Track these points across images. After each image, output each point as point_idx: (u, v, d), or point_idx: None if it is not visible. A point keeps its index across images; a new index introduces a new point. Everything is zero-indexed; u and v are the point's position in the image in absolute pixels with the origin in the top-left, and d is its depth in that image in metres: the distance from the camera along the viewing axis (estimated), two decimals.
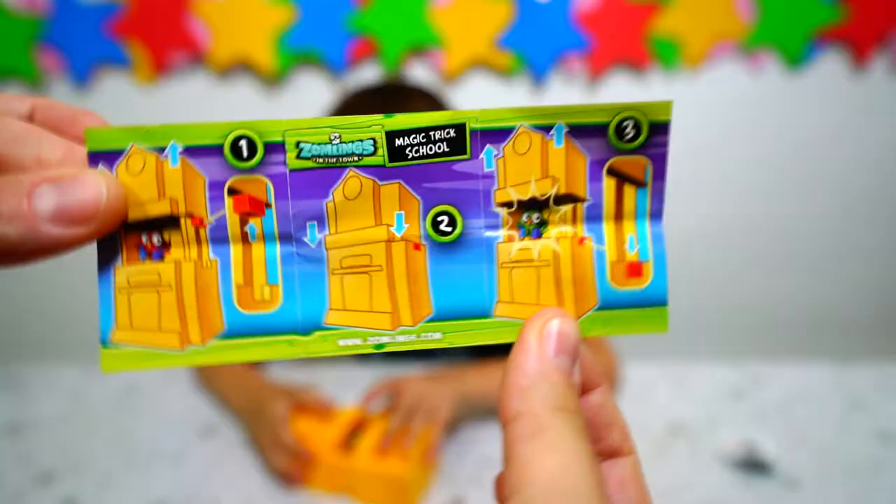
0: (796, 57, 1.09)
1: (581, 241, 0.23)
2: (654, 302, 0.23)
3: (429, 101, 0.86)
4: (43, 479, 0.73)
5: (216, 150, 0.22)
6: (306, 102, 1.11)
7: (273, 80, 1.09)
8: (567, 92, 1.11)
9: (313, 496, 0.69)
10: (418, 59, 1.08)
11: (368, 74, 1.08)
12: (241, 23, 1.04)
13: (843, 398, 0.86)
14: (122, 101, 1.11)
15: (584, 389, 0.22)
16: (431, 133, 0.22)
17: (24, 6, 1.03)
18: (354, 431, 0.72)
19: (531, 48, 1.06)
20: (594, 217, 0.23)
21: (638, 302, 0.23)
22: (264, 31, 1.04)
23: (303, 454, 0.69)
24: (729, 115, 1.15)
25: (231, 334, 0.23)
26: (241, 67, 1.08)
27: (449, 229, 0.23)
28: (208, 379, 0.88)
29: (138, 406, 0.87)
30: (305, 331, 0.23)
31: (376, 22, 1.04)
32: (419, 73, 1.08)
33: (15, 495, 0.71)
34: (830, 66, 1.11)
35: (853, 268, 1.25)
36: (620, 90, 1.11)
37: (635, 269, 0.23)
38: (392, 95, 0.88)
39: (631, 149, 0.23)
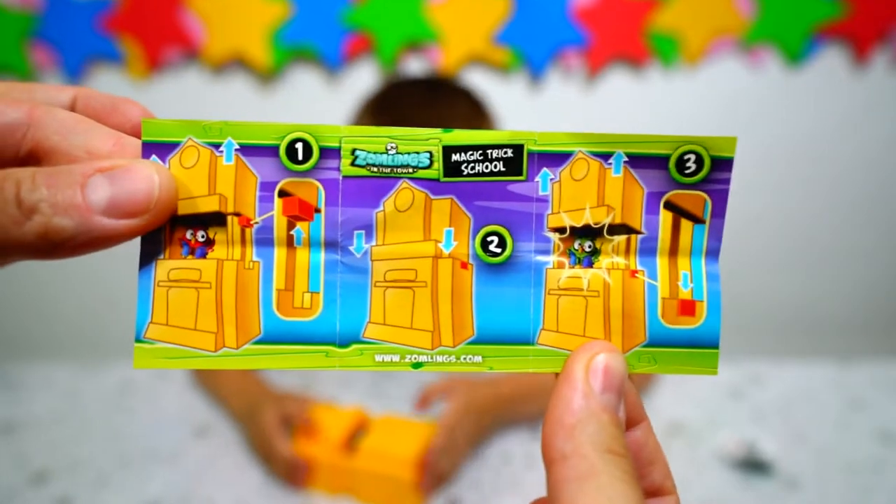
0: (796, 53, 1.08)
1: (633, 273, 0.22)
2: (705, 343, 0.23)
3: (470, 102, 0.85)
4: (37, 478, 0.73)
5: (272, 150, 0.21)
6: (301, 99, 1.10)
7: (268, 75, 1.08)
8: (565, 88, 1.10)
9: (311, 497, 0.69)
10: (415, 55, 1.07)
11: (364, 71, 1.07)
12: (235, 18, 1.03)
13: (843, 398, 0.85)
14: None
15: (628, 425, 0.22)
16: (489, 151, 0.22)
17: (16, 1, 1.02)
18: (357, 432, 0.72)
19: (529, 44, 1.06)
20: (648, 250, 0.23)
21: (688, 342, 0.23)
22: (259, 26, 1.03)
23: (299, 464, 0.68)
24: (728, 111, 1.14)
25: (267, 340, 0.22)
26: (235, 63, 1.07)
27: (498, 250, 0.22)
28: (206, 378, 0.87)
29: (133, 405, 0.87)
30: (343, 343, 0.22)
31: (372, 17, 1.03)
32: (416, 69, 1.08)
33: (9, 495, 0.70)
34: (831, 63, 1.10)
35: (853, 267, 1.25)
36: (619, 86, 1.10)
37: (688, 308, 0.23)
38: (432, 91, 0.87)
39: (691, 183, 0.22)
